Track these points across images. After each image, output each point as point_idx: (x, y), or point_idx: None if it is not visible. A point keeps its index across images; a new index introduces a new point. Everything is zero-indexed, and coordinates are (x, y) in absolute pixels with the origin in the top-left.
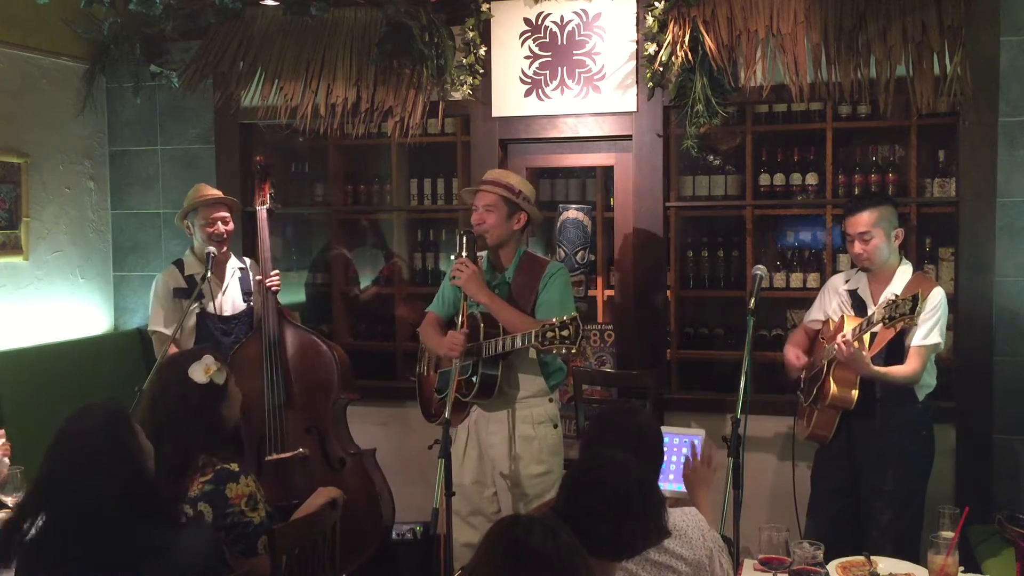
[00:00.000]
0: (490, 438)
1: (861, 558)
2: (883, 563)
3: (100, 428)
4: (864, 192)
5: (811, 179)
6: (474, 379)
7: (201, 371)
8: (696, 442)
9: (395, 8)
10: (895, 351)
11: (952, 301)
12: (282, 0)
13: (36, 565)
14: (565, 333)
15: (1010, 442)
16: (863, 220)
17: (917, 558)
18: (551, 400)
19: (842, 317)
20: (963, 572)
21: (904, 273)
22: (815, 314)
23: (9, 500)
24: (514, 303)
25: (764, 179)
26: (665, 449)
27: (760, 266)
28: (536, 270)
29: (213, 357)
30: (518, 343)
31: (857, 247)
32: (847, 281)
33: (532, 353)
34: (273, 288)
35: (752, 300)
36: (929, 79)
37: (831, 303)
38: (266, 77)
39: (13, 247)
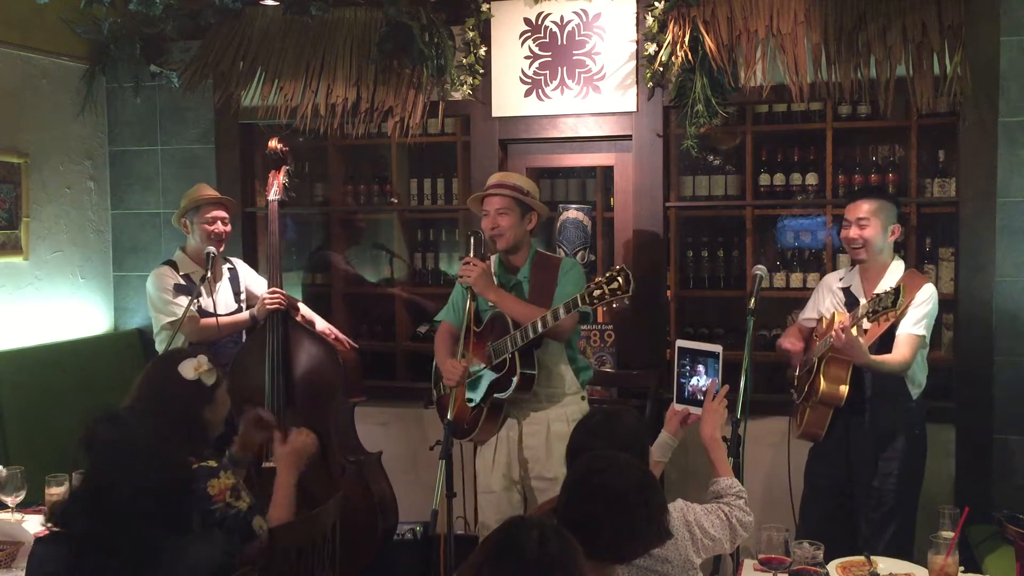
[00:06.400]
0: (525, 439)
1: (861, 558)
2: (883, 563)
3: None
4: (869, 187)
5: (811, 179)
6: (513, 377)
7: (191, 368)
8: (715, 364)
9: (395, 8)
10: (885, 346)
11: (952, 301)
12: (282, 0)
13: (48, 558)
14: (615, 286)
15: (1010, 442)
16: (863, 207)
17: (911, 556)
18: (583, 398)
19: (833, 314)
20: (963, 572)
21: (896, 269)
22: (809, 312)
23: (9, 500)
24: (534, 302)
25: (764, 179)
26: (685, 363)
27: (760, 266)
28: (551, 268)
29: (208, 359)
30: (561, 313)
31: (853, 231)
32: (840, 279)
33: (560, 349)
34: (270, 307)
35: (752, 300)
36: (929, 79)
37: (824, 301)
38: (266, 77)
39: (13, 247)
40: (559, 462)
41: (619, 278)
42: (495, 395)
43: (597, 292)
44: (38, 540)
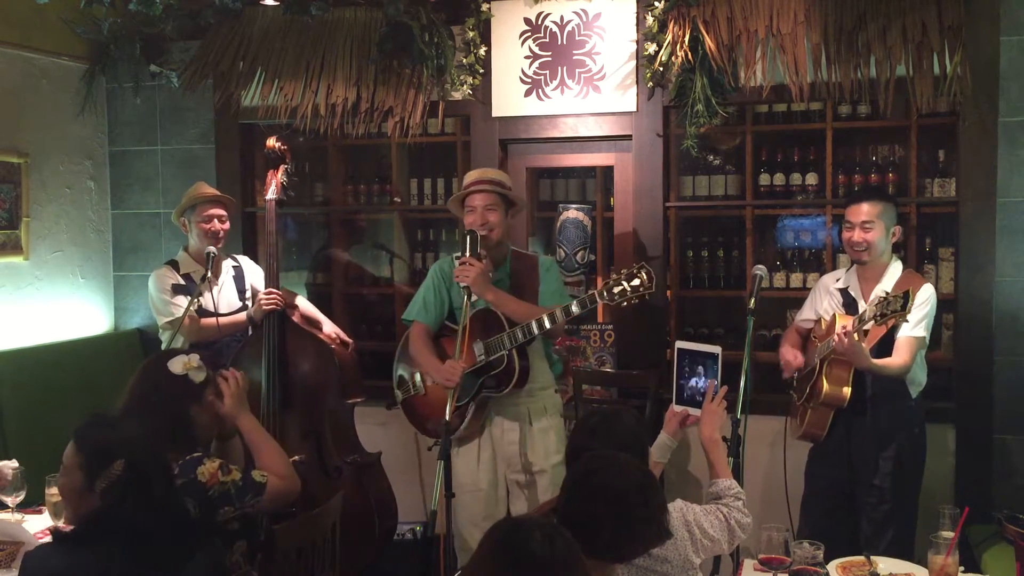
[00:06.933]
0: (508, 435)
1: (861, 558)
2: (883, 563)
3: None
4: (868, 187)
5: (811, 179)
6: (512, 374)
7: (180, 364)
8: (714, 365)
9: (395, 8)
10: (886, 347)
11: (952, 301)
12: (282, 0)
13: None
14: (637, 283)
15: (1010, 442)
16: (866, 210)
17: (912, 555)
18: (556, 391)
19: (833, 315)
20: (963, 572)
21: (894, 270)
22: (806, 313)
23: (9, 500)
24: (518, 296)
25: (764, 179)
26: (684, 364)
27: (760, 266)
28: (529, 264)
29: (199, 358)
30: (574, 309)
31: (857, 234)
32: (838, 280)
33: (540, 346)
34: (266, 308)
35: (752, 300)
36: (929, 79)
37: (822, 302)
38: (266, 77)
39: (13, 247)
40: (542, 456)
41: (641, 274)
42: (485, 392)
43: (617, 289)
44: (27, 556)
